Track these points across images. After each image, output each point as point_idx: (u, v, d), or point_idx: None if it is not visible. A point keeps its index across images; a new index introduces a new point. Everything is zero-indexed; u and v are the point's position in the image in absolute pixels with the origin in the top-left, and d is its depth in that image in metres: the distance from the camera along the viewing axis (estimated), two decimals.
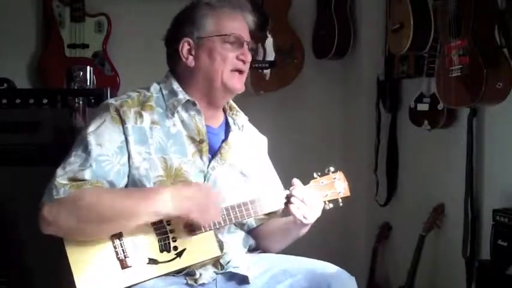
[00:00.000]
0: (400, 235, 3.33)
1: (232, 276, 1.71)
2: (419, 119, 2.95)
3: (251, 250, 1.86)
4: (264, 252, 1.88)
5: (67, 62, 3.19)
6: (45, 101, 2.43)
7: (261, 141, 1.97)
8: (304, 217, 1.72)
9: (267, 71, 3.54)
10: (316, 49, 3.65)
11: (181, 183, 1.68)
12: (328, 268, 1.73)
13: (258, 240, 1.88)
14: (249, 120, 1.97)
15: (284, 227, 1.83)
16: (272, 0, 3.50)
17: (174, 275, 1.66)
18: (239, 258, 1.76)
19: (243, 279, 1.70)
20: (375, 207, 3.43)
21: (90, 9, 3.32)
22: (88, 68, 2.57)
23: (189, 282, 1.65)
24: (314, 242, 3.48)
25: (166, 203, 1.60)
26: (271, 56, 3.54)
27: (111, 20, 3.36)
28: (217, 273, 1.71)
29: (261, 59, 3.52)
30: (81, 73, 2.53)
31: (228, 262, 1.73)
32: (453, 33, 2.44)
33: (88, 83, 2.53)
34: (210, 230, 1.67)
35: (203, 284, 1.66)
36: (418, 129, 2.99)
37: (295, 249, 1.86)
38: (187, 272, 1.67)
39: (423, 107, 2.90)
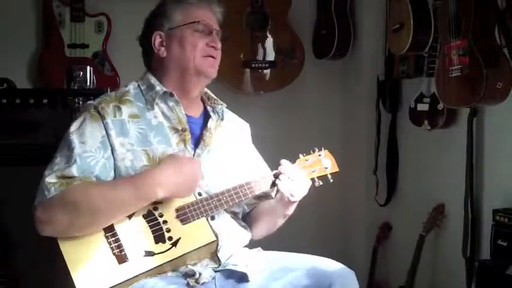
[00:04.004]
0: (400, 235, 3.33)
1: (231, 274, 1.72)
2: (419, 119, 2.95)
3: (250, 246, 1.87)
4: (254, 236, 1.91)
5: (67, 62, 3.19)
6: (45, 101, 2.43)
7: (243, 128, 2.02)
8: (291, 194, 1.76)
9: (267, 71, 3.54)
10: (316, 49, 3.65)
11: (165, 162, 1.69)
12: (328, 264, 1.74)
13: (248, 224, 1.91)
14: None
15: (271, 206, 1.87)
16: (272, 0, 3.50)
17: (173, 274, 1.66)
18: (237, 256, 1.77)
19: (242, 277, 1.71)
20: (375, 207, 3.43)
21: (90, 9, 3.32)
22: (88, 68, 2.57)
23: (191, 284, 1.65)
24: (314, 242, 3.50)
25: (154, 188, 1.63)
26: (271, 56, 3.54)
27: (111, 20, 3.35)
28: (215, 271, 1.72)
29: (261, 59, 3.52)
30: (81, 73, 2.53)
31: (227, 259, 1.74)
32: (453, 33, 2.44)
33: (88, 83, 2.53)
34: (202, 217, 1.69)
35: (203, 283, 1.67)
36: (418, 129, 3.00)
37: (296, 249, 1.86)
38: (187, 273, 1.67)
39: (423, 107, 2.90)
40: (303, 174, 1.78)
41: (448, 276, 2.90)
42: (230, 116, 1.97)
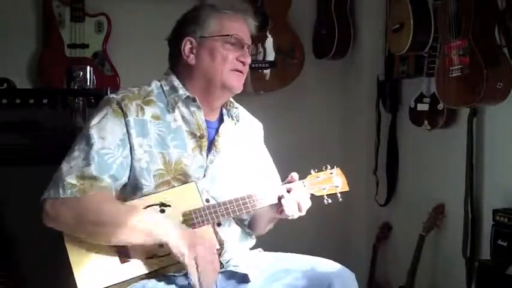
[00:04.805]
0: (400, 235, 3.33)
1: (232, 275, 1.72)
2: (419, 119, 2.95)
3: (251, 248, 1.88)
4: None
5: (67, 62, 3.18)
6: (45, 101, 2.42)
7: (255, 129, 2.00)
8: (291, 215, 1.76)
9: (267, 71, 3.54)
10: (316, 49, 3.65)
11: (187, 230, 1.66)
12: (329, 265, 1.75)
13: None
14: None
15: (265, 211, 1.85)
16: (272, 0, 3.50)
17: (174, 275, 1.66)
18: (239, 257, 1.77)
19: (243, 278, 1.71)
20: (375, 207, 3.43)
21: (90, 9, 3.32)
22: (88, 68, 2.57)
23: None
24: (314, 242, 3.49)
25: (164, 230, 1.61)
26: (271, 56, 3.54)
27: (111, 20, 3.35)
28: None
29: (261, 59, 3.52)
30: (81, 73, 2.53)
31: (228, 261, 1.74)
32: (453, 33, 2.44)
33: (88, 83, 2.53)
34: (207, 224, 1.69)
35: None
36: (418, 129, 3.00)
37: (296, 249, 1.86)
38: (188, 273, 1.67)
39: (423, 107, 2.91)
40: (307, 198, 1.78)
41: (448, 276, 2.90)
42: (244, 117, 1.95)
